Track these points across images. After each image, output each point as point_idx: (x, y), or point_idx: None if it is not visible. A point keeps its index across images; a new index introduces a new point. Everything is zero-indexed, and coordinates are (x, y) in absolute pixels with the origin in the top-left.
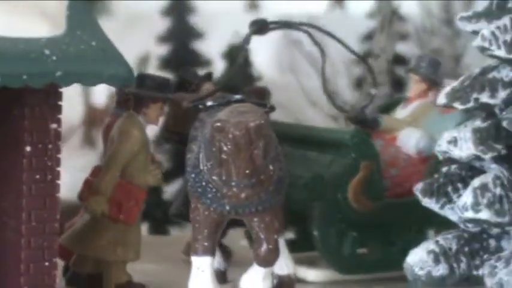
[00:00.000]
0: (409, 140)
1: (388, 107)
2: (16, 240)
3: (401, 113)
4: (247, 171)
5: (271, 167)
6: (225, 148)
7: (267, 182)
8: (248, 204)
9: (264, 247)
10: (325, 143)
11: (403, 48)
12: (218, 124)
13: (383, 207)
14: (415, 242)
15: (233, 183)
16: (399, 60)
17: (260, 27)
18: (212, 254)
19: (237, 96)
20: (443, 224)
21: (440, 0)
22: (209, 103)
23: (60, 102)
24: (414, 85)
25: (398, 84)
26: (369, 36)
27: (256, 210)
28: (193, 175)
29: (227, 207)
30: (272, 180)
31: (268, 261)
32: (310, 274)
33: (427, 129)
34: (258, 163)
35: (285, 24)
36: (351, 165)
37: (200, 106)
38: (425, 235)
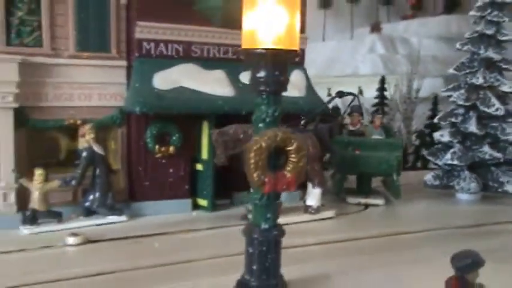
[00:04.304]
0: None
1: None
2: None
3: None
4: None
5: None
6: None
7: None
8: None
9: None
10: (379, 146)
11: None
12: None
13: None
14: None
15: None
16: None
17: (340, 94)
18: None
19: None
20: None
21: (404, 88)
22: None
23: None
24: (355, 118)
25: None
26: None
27: None
28: None
29: None
30: None
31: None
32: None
33: (373, 134)
34: None
35: (348, 93)
36: (399, 156)
37: None
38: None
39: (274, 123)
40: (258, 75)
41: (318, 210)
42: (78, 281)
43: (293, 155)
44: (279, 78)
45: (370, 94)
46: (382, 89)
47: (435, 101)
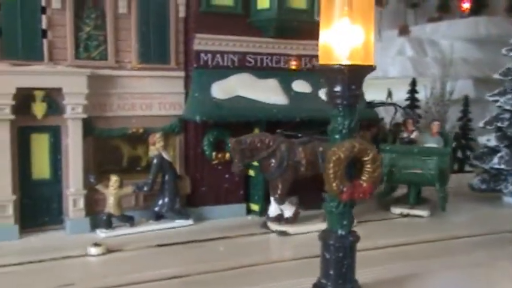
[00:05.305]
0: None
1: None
2: None
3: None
4: None
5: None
6: None
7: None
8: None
9: None
10: (428, 153)
11: None
12: None
13: None
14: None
15: None
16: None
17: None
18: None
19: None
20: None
21: (438, 91)
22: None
23: None
24: (410, 124)
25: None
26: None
27: None
28: None
29: None
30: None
31: None
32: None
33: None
34: None
35: (383, 103)
36: (448, 162)
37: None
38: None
39: (350, 134)
40: (335, 89)
41: None
42: (154, 284)
43: (368, 165)
44: (355, 92)
45: (399, 96)
46: (413, 91)
47: (466, 102)
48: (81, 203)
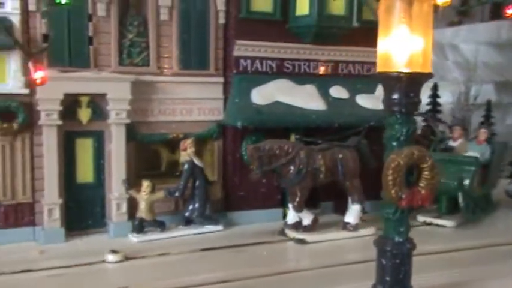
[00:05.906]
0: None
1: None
2: None
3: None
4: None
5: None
6: None
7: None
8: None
9: None
10: (457, 162)
11: None
12: None
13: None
14: None
15: None
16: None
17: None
18: None
19: None
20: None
21: (463, 94)
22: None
23: None
24: (457, 131)
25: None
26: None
27: None
28: None
29: None
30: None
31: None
32: None
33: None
34: None
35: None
36: (477, 171)
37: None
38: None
39: (408, 141)
40: (393, 96)
41: (356, 227)
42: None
43: (426, 172)
44: (413, 100)
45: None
46: (435, 95)
47: (489, 107)
48: (123, 207)
